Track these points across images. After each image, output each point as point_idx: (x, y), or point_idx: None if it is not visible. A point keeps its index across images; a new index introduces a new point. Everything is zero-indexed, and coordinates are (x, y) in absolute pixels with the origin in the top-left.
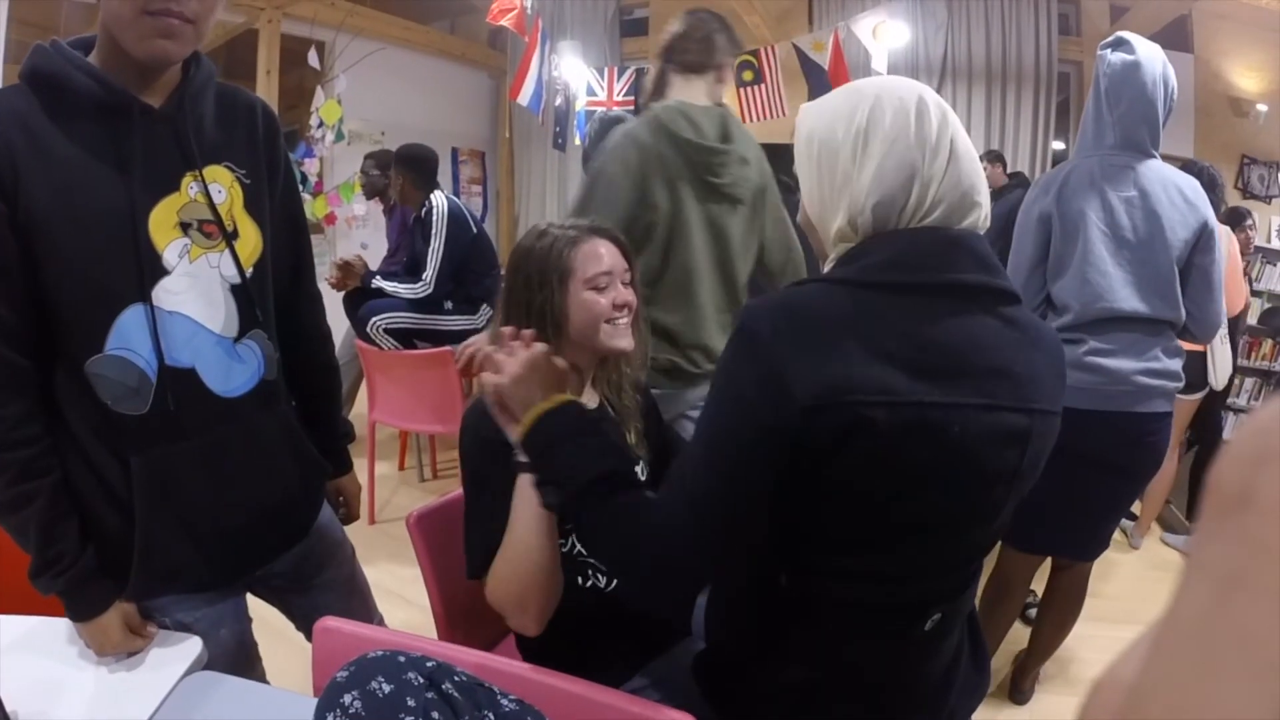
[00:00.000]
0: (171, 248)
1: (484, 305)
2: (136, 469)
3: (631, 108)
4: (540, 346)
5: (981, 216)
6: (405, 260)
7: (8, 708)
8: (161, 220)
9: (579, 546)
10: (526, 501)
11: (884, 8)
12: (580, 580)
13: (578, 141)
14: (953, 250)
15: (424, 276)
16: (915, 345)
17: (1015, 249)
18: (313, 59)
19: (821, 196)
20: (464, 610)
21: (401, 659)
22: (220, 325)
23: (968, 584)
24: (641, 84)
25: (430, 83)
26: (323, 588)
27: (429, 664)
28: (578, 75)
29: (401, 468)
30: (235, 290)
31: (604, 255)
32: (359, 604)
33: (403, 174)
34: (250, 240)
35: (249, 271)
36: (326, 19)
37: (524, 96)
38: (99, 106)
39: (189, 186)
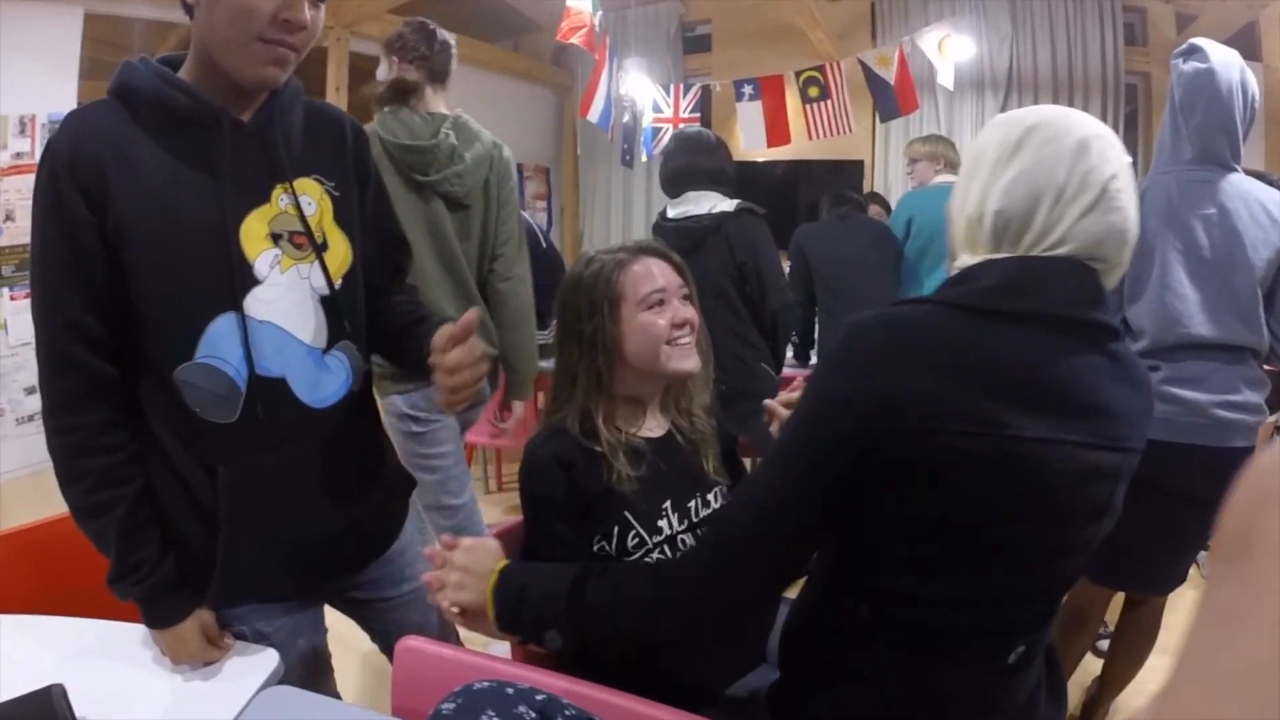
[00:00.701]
0: (263, 258)
1: (553, 320)
2: (223, 477)
3: (700, 123)
4: (467, 542)
5: (1113, 280)
6: None
7: (78, 715)
8: (253, 231)
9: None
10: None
11: (948, 21)
12: None
13: (644, 158)
14: (1063, 280)
15: None
16: (1019, 377)
17: None
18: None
19: (960, 196)
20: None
21: (510, 691)
22: (310, 336)
23: (1050, 616)
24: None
25: (495, 99)
26: (402, 602)
27: (539, 697)
28: (644, 92)
29: None
30: (325, 301)
31: (655, 273)
32: (437, 619)
33: None
34: (339, 252)
35: (338, 283)
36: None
37: (594, 113)
38: (189, 121)
39: (279, 198)
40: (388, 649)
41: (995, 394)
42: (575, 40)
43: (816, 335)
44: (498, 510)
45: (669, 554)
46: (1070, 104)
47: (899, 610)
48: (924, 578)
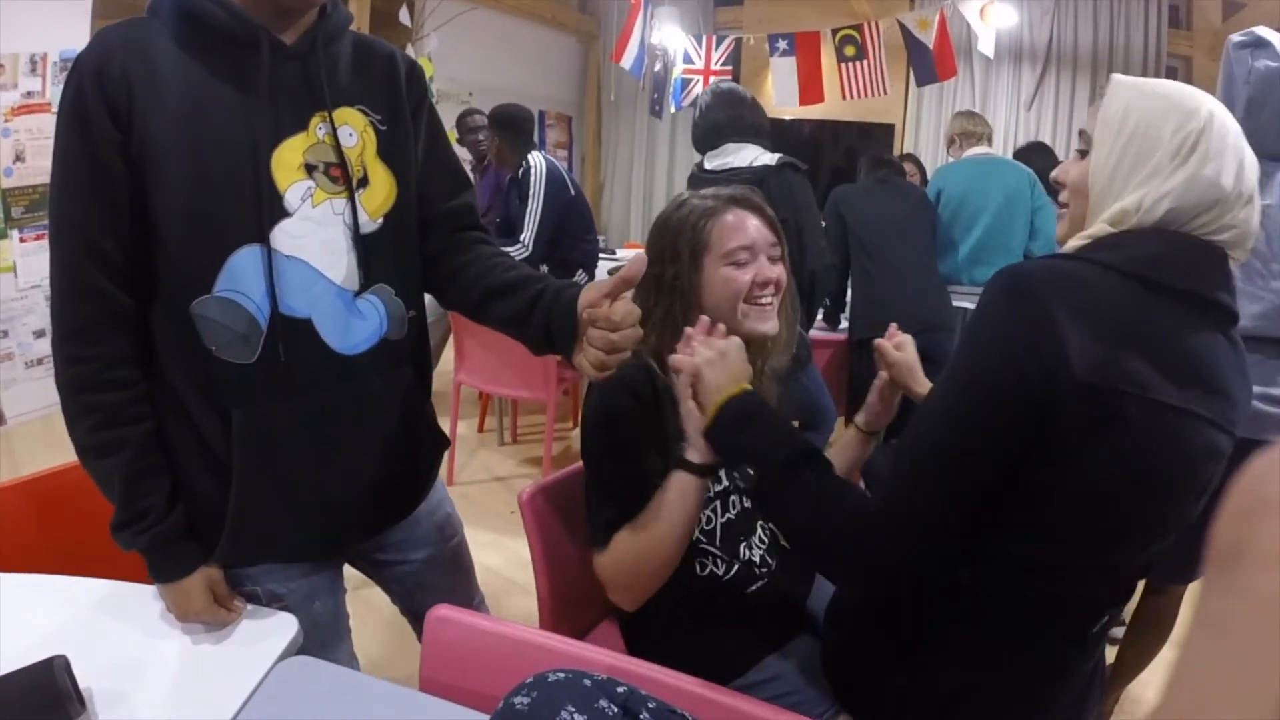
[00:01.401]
0: (294, 189)
1: (580, 270)
2: (238, 423)
3: (730, 77)
4: (735, 339)
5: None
6: (499, 221)
7: (81, 685)
8: (285, 160)
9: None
10: (679, 495)
11: None
12: (698, 568)
13: (673, 109)
14: (1211, 266)
15: (522, 239)
16: (1167, 346)
17: None
18: (404, 17)
19: (1114, 173)
20: (566, 596)
21: (588, 682)
22: (342, 276)
23: (1132, 592)
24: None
25: (519, 45)
26: (427, 564)
27: (620, 689)
28: (675, 41)
29: (481, 430)
30: (360, 240)
31: (747, 227)
32: (462, 583)
33: (498, 135)
34: (382, 189)
35: (378, 222)
36: None
37: (627, 60)
38: (226, 38)
39: (317, 127)
40: (410, 612)
41: (1147, 357)
42: None
43: (848, 299)
44: (512, 462)
45: (723, 512)
46: (1108, 79)
47: (1002, 575)
48: (1040, 544)
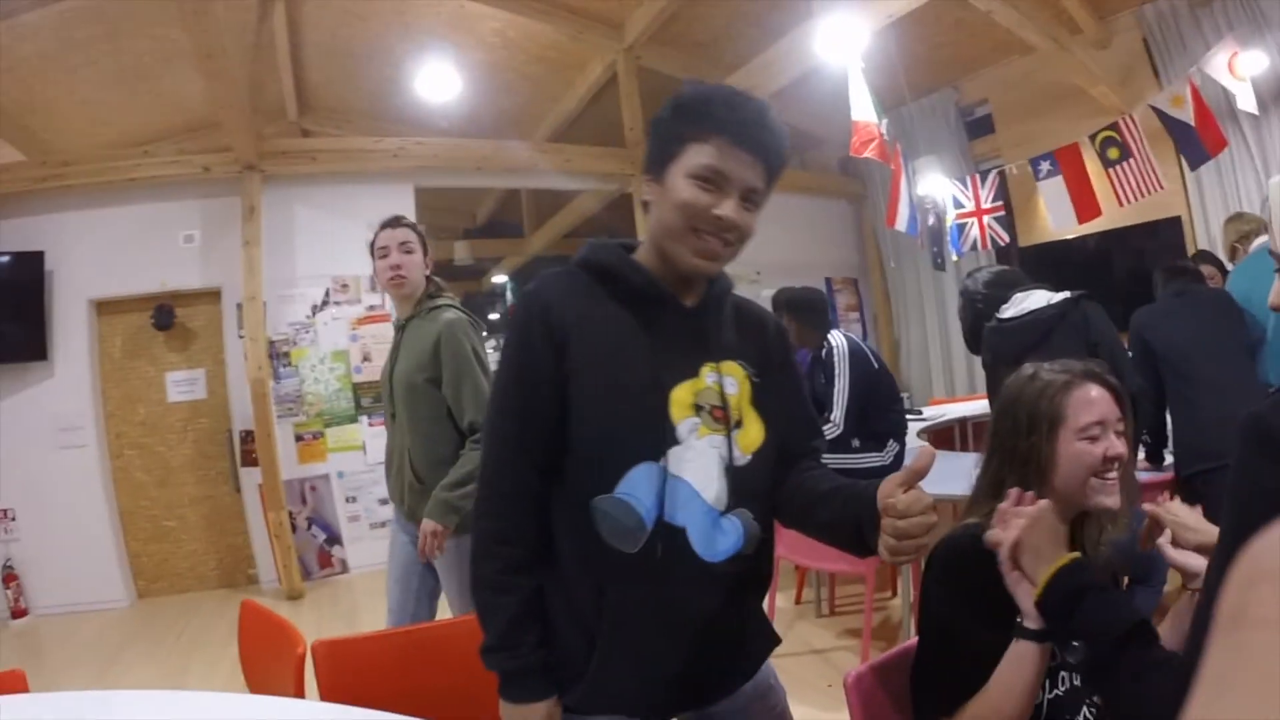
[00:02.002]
0: (685, 423)
1: (890, 440)
2: (610, 598)
3: (1002, 211)
4: (1045, 503)
5: None
6: None
7: None
8: (680, 399)
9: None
10: (1017, 661)
11: (1230, 38)
12: None
13: (955, 258)
14: None
15: (832, 417)
16: None
17: None
18: None
19: None
20: None
21: None
22: (712, 497)
23: None
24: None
25: (793, 217)
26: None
27: None
28: (941, 189)
29: (798, 601)
30: (729, 471)
31: (1097, 402)
32: None
33: (794, 319)
34: (752, 431)
35: (747, 458)
36: None
37: (900, 222)
38: (642, 297)
39: (707, 375)
40: None
41: None
42: (868, 154)
43: (1170, 431)
44: (830, 635)
45: (1051, 689)
46: None
47: None
48: None
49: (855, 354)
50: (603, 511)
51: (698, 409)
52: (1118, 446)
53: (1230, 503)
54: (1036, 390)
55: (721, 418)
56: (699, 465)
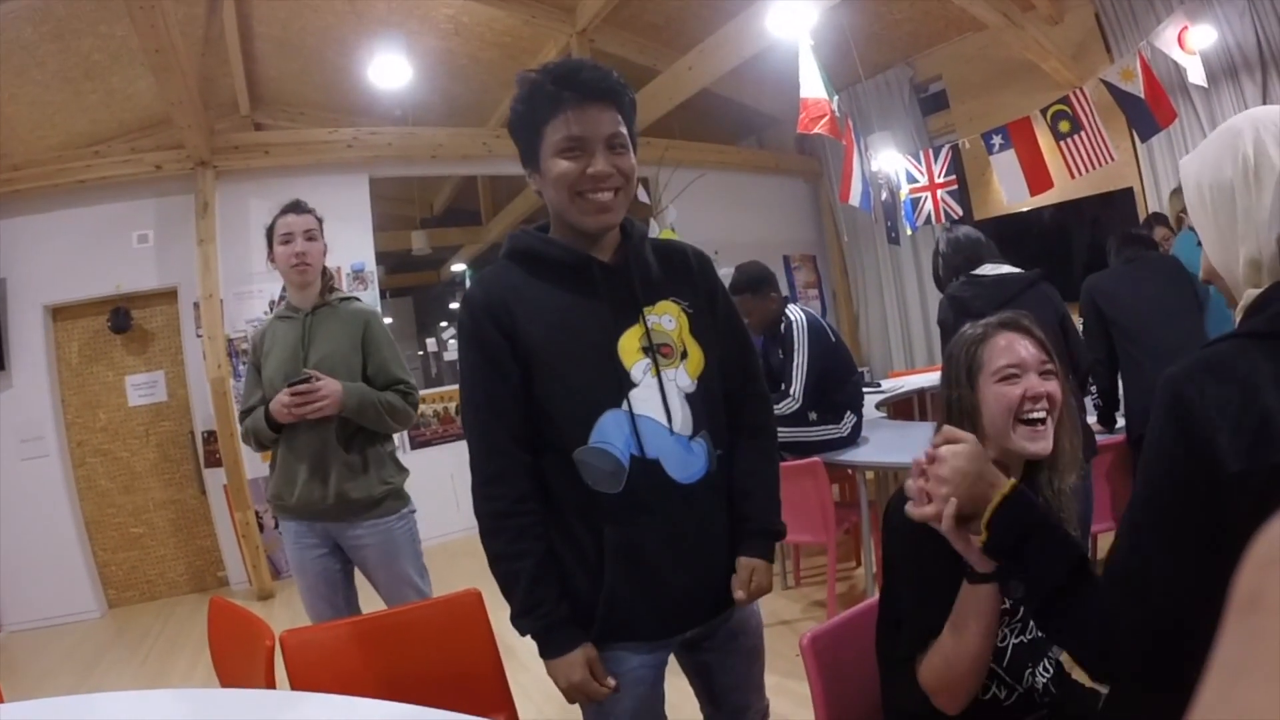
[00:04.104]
0: (637, 366)
1: (847, 412)
2: (609, 537)
3: (955, 185)
4: (969, 436)
5: None
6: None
7: None
8: (627, 346)
9: None
10: (972, 607)
11: (1180, 11)
12: (982, 691)
13: (910, 233)
14: None
15: (791, 392)
16: None
17: None
18: (641, 195)
19: (1221, 240)
20: None
21: None
22: (679, 425)
23: None
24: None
25: (751, 197)
26: (735, 651)
27: None
28: (895, 164)
29: None
30: (689, 397)
31: (1013, 346)
32: (758, 671)
33: (754, 295)
34: (695, 358)
35: (695, 383)
36: (646, 157)
37: (854, 198)
38: (566, 266)
39: (646, 319)
40: (711, 703)
41: None
42: (819, 130)
43: (1121, 394)
44: (797, 607)
45: (1018, 634)
46: None
47: None
48: None
49: (813, 328)
50: (583, 462)
51: (645, 350)
52: (1039, 386)
53: (1140, 462)
54: (961, 344)
55: (669, 353)
56: (658, 400)
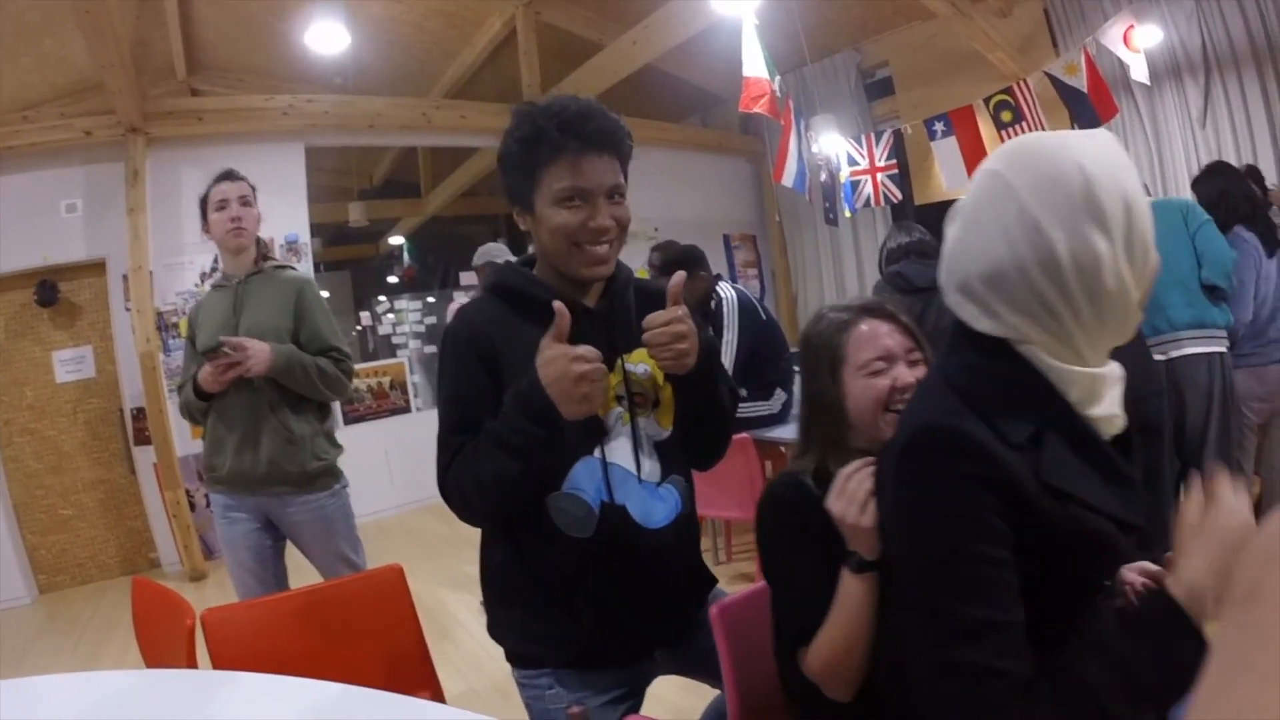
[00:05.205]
0: (611, 415)
1: (777, 389)
2: (579, 576)
3: (896, 170)
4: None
5: None
6: None
7: None
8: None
9: None
10: (856, 596)
11: (1128, 10)
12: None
13: (848, 214)
14: None
15: None
16: None
17: None
18: None
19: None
20: (757, 705)
21: None
22: (646, 473)
23: None
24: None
25: (693, 175)
26: (699, 656)
27: None
28: (836, 147)
29: None
30: (659, 445)
31: (877, 336)
32: (709, 674)
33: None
34: (668, 404)
35: (669, 430)
36: None
37: (787, 178)
38: (547, 306)
39: (623, 367)
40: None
41: None
42: (758, 109)
43: None
44: (726, 579)
45: None
46: (1276, 73)
47: None
48: None
49: (744, 306)
50: (557, 508)
51: (619, 399)
52: (906, 375)
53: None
54: (819, 333)
55: (642, 402)
56: (630, 449)
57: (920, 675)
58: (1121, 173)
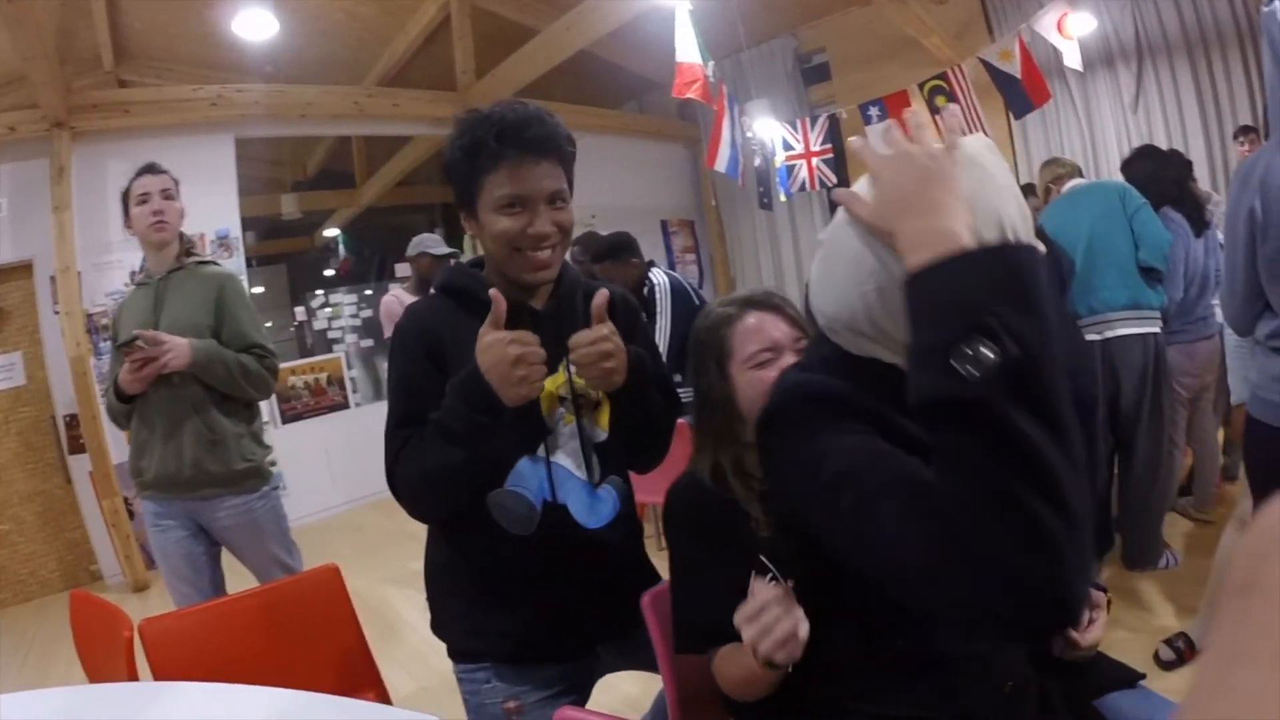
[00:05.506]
0: (553, 414)
1: None
2: (520, 573)
3: (830, 154)
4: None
5: None
6: None
7: None
8: (546, 394)
9: None
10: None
11: None
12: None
13: (783, 198)
14: None
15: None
16: None
17: (1227, 248)
18: None
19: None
20: (696, 692)
21: None
22: (585, 473)
23: None
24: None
25: (630, 162)
26: (642, 649)
27: None
28: (771, 132)
29: None
30: (599, 447)
31: (762, 328)
32: (655, 666)
33: (611, 264)
34: (608, 409)
35: (606, 433)
36: None
37: (720, 163)
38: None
39: (567, 368)
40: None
41: None
42: (691, 95)
43: None
44: (665, 566)
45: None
46: (1207, 61)
47: None
48: None
49: (677, 291)
50: (499, 505)
51: (561, 399)
52: None
53: None
54: (705, 328)
55: (584, 403)
56: (571, 448)
57: (880, 537)
58: None
